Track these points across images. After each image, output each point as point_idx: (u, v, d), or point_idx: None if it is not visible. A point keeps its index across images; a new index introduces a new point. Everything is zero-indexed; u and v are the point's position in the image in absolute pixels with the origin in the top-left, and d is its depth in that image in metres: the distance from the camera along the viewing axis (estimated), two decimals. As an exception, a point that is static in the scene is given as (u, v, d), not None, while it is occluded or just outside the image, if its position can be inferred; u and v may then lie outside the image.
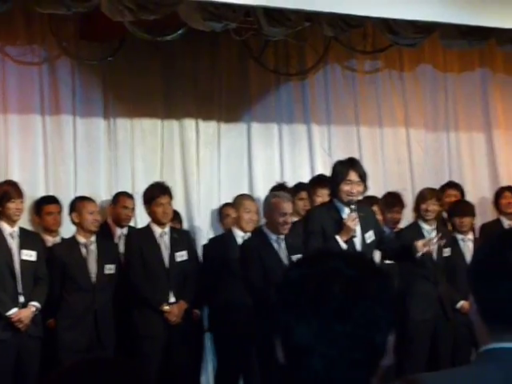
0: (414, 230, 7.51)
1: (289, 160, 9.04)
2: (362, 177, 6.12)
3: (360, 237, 6.20)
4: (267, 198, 6.72)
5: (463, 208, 7.86)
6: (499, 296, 1.82)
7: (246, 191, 8.50)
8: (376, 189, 8.44)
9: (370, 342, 1.57)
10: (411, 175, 9.46)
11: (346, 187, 6.03)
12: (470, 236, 7.77)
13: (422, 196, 7.63)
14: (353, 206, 6.00)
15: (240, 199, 7.60)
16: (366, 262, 1.68)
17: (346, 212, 6.07)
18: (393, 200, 8.07)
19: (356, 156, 8.88)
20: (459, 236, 7.69)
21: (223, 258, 7.16)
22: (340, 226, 6.02)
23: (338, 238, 5.95)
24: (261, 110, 9.01)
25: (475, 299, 1.89)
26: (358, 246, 6.18)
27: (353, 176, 6.06)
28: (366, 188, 6.26)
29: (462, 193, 8.67)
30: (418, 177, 9.40)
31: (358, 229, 6.14)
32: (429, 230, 7.47)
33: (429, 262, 7.36)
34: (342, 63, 9.25)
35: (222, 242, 7.42)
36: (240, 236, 7.31)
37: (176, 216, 7.74)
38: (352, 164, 6.20)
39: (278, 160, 9.03)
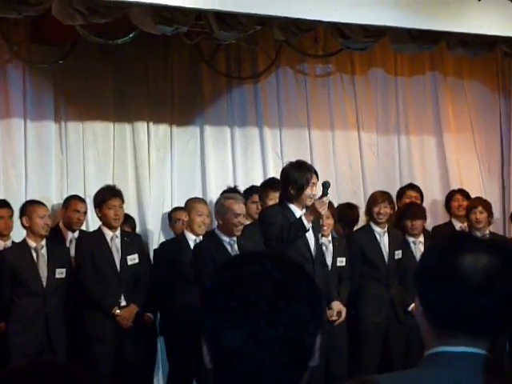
0: (366, 233, 7.57)
1: (241, 163, 9.04)
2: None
3: (313, 238, 6.24)
4: (219, 200, 6.74)
5: (414, 211, 7.92)
6: (445, 300, 1.83)
7: (198, 194, 8.50)
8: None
9: (299, 344, 1.57)
10: (363, 178, 9.51)
11: (310, 191, 6.07)
12: (421, 239, 7.82)
13: (374, 199, 7.68)
14: (327, 192, 6.04)
15: (192, 202, 7.60)
16: (292, 263, 1.67)
17: (299, 213, 6.11)
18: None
19: (307, 159, 8.96)
20: (410, 239, 7.75)
21: (175, 262, 7.14)
22: None
23: (303, 217, 5.97)
24: (213, 113, 9.00)
25: (421, 302, 1.90)
26: (313, 248, 6.22)
27: (315, 179, 6.11)
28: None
29: (421, 195, 8.75)
30: (370, 180, 9.45)
31: (311, 231, 6.19)
32: (380, 232, 7.53)
33: (381, 265, 7.42)
34: (294, 67, 9.28)
35: (174, 246, 7.40)
36: (192, 239, 7.30)
37: (128, 219, 7.71)
38: (312, 167, 6.26)
39: (231, 163, 9.03)
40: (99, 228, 7.03)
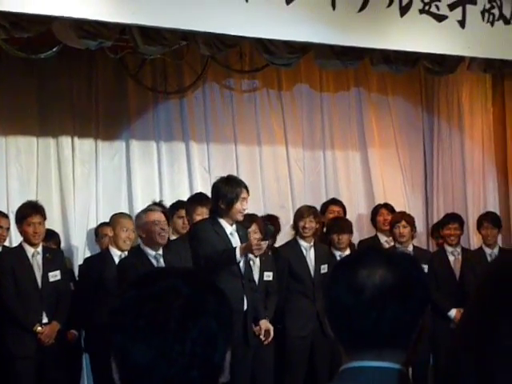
0: (293, 248, 7.60)
1: (168, 178, 9.01)
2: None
3: (244, 257, 6.27)
4: (138, 215, 6.73)
5: (341, 225, 7.98)
6: (340, 314, 1.85)
7: (124, 209, 8.44)
8: (255, 207, 8.51)
9: (208, 361, 1.57)
10: (291, 193, 9.56)
11: (240, 206, 6.09)
12: (348, 252, 7.88)
13: (300, 213, 7.72)
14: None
15: (117, 218, 7.54)
16: (202, 279, 1.68)
17: (229, 229, 6.12)
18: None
19: (234, 174, 8.97)
20: (337, 253, 7.80)
21: (100, 278, 7.07)
22: (225, 241, 6.11)
23: (237, 249, 6.01)
24: (139, 128, 8.96)
25: (326, 316, 1.91)
26: (242, 263, 6.25)
27: (245, 194, 6.13)
28: None
29: (344, 209, 8.83)
30: (297, 195, 9.51)
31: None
32: (306, 246, 7.57)
33: (307, 279, 7.46)
34: (220, 82, 9.30)
35: (98, 262, 7.32)
36: (117, 255, 7.23)
37: (53, 235, 7.61)
38: (242, 182, 6.27)
39: (157, 178, 9.00)
40: (20, 244, 6.93)
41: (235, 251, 5.99)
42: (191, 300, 1.58)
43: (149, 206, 7.02)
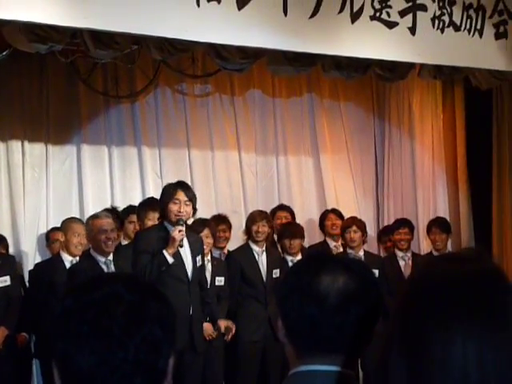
0: (245, 252, 7.61)
1: (119, 183, 8.97)
2: (191, 198, 6.19)
3: (191, 260, 6.26)
4: (87, 222, 6.69)
5: (292, 230, 8.01)
6: (304, 321, 1.86)
7: (75, 214, 8.37)
8: (208, 211, 8.52)
9: (152, 367, 1.57)
10: (244, 198, 9.57)
11: (174, 207, 6.08)
12: (299, 257, 7.91)
13: (252, 218, 7.73)
14: (181, 222, 6.05)
15: (68, 222, 7.46)
16: (145, 285, 1.67)
17: None
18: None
19: (187, 179, 8.94)
20: (289, 258, 7.82)
21: (50, 283, 7.00)
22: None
23: (164, 252, 6.01)
24: (91, 133, 8.91)
25: (283, 323, 1.93)
26: (190, 269, 6.23)
27: (181, 196, 6.12)
28: (195, 210, 6.32)
29: (293, 215, 8.84)
30: (250, 200, 9.53)
31: (189, 252, 6.22)
32: (258, 251, 7.58)
33: (259, 283, 7.46)
34: (173, 86, 9.28)
35: (49, 267, 7.25)
36: (68, 260, 7.17)
37: (2, 240, 7.53)
38: (180, 185, 6.28)
39: (109, 183, 8.95)
40: None
41: (163, 254, 6.01)
42: (134, 306, 1.57)
43: (100, 211, 6.97)
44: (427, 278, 1.37)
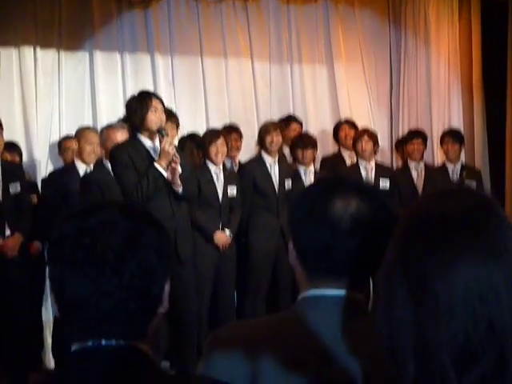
0: (257, 163, 7.60)
1: (132, 90, 8.88)
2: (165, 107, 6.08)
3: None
4: (102, 130, 6.67)
5: (305, 140, 7.98)
6: (316, 245, 1.87)
7: (88, 122, 8.38)
8: (221, 121, 8.50)
9: (146, 293, 1.60)
10: (256, 107, 9.50)
11: (153, 117, 5.91)
12: (312, 168, 7.91)
13: (266, 128, 7.68)
14: (163, 133, 5.91)
15: (82, 131, 7.45)
16: (142, 213, 1.69)
17: (149, 143, 6.00)
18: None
19: (200, 87, 8.93)
20: (301, 168, 7.82)
21: (64, 191, 7.02)
22: (149, 159, 5.94)
23: (156, 164, 5.89)
24: (103, 38, 8.82)
25: (294, 246, 1.94)
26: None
27: (158, 104, 5.95)
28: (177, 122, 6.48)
29: (301, 126, 8.80)
30: (263, 109, 9.46)
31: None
32: (271, 162, 7.55)
33: (271, 194, 7.48)
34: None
35: (62, 175, 7.27)
36: (82, 168, 7.19)
37: (14, 148, 7.54)
38: (151, 93, 6.13)
39: (121, 90, 8.90)
40: None
41: (155, 167, 5.87)
42: (130, 233, 1.60)
43: (116, 122, 6.92)
44: (423, 215, 1.38)
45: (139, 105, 5.94)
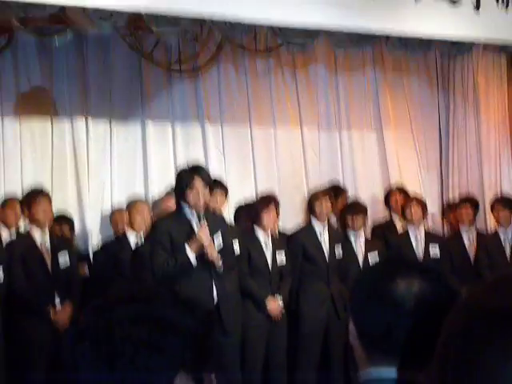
0: (307, 230, 7.57)
1: (183, 160, 8.95)
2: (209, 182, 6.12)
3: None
4: (155, 203, 6.73)
5: (356, 207, 7.99)
6: (379, 325, 1.86)
7: (140, 192, 8.46)
8: (270, 189, 8.50)
9: None
10: (306, 174, 9.48)
11: (190, 195, 5.98)
12: (362, 233, 7.88)
13: (315, 195, 7.67)
14: (201, 216, 5.99)
15: (133, 202, 7.60)
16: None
17: (195, 219, 6.06)
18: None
19: (249, 156, 8.97)
20: (351, 233, 7.79)
21: (116, 262, 7.15)
22: (187, 233, 6.00)
23: (187, 248, 5.95)
24: (154, 109, 8.92)
25: (355, 326, 1.93)
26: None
27: (198, 182, 5.98)
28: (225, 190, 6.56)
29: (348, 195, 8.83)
30: (312, 176, 9.43)
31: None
32: (321, 228, 7.52)
33: (321, 261, 7.43)
34: (235, 62, 9.22)
35: (114, 246, 7.41)
36: (133, 235, 7.36)
37: (64, 220, 7.71)
38: (194, 170, 6.13)
39: (172, 159, 8.94)
40: (28, 231, 6.81)
41: (185, 251, 5.92)
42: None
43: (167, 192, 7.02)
44: (477, 313, 1.36)
45: (178, 183, 6.07)
